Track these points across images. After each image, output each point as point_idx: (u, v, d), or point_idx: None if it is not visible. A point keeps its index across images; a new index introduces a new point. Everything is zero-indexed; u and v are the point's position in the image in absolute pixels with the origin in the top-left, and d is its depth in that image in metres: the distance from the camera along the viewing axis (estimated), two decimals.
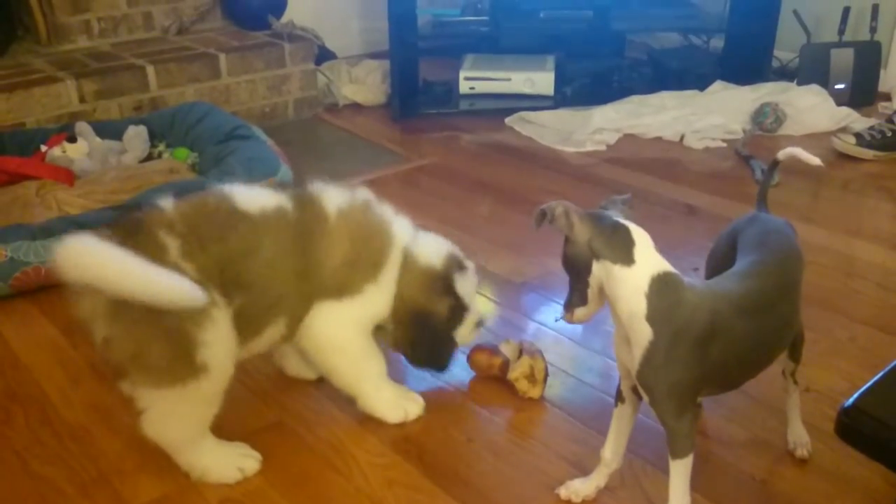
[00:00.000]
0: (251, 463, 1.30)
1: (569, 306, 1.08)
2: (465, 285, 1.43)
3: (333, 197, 1.34)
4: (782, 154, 1.28)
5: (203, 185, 1.51)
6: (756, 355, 1.12)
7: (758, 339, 1.10)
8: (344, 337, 1.36)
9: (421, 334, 1.40)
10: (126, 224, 1.19)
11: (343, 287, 1.33)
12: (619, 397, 1.17)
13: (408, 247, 1.39)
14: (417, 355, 1.44)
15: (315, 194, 1.34)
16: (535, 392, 1.47)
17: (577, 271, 1.05)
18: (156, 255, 1.13)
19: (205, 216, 1.23)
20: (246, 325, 1.24)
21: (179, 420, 1.22)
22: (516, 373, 1.47)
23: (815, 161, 1.25)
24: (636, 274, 1.01)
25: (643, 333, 1.02)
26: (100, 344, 1.15)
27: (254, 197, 1.28)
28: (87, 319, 1.15)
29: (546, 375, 1.48)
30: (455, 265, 1.42)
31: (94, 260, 1.07)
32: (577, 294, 1.07)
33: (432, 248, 1.41)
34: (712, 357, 1.04)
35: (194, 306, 1.13)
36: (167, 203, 1.22)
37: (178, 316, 1.13)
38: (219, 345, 1.18)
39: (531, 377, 1.46)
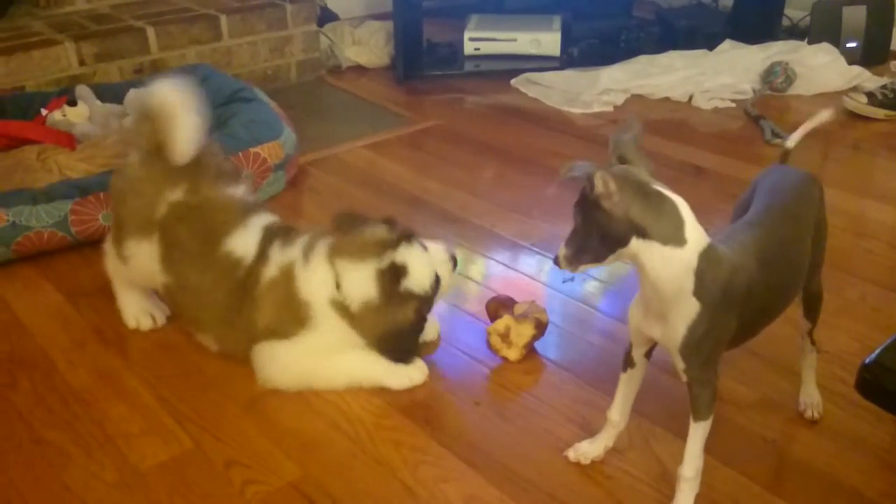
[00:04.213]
0: (147, 320, 1.56)
1: (575, 259, 1.01)
2: (417, 270, 1.36)
3: (275, 262, 1.40)
4: (791, 141, 1.24)
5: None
6: (773, 304, 1.11)
7: (774, 289, 1.08)
8: (290, 377, 1.40)
9: (395, 344, 1.39)
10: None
11: (274, 335, 1.39)
12: (629, 363, 1.15)
13: (335, 297, 1.35)
14: (395, 358, 1.42)
15: (271, 256, 1.41)
16: (510, 354, 1.46)
17: (606, 240, 0.97)
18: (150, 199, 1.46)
19: (200, 209, 1.45)
20: (179, 301, 1.48)
21: (113, 265, 1.56)
22: (490, 328, 1.47)
23: (825, 116, 1.22)
24: (687, 253, 0.97)
25: (690, 308, 0.98)
26: None
27: (240, 235, 1.43)
28: None
29: (529, 342, 1.46)
30: (392, 275, 1.34)
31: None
32: (592, 254, 1.00)
33: (362, 280, 1.34)
34: (744, 315, 1.03)
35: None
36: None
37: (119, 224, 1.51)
38: (134, 258, 1.48)
39: (505, 337, 1.45)
